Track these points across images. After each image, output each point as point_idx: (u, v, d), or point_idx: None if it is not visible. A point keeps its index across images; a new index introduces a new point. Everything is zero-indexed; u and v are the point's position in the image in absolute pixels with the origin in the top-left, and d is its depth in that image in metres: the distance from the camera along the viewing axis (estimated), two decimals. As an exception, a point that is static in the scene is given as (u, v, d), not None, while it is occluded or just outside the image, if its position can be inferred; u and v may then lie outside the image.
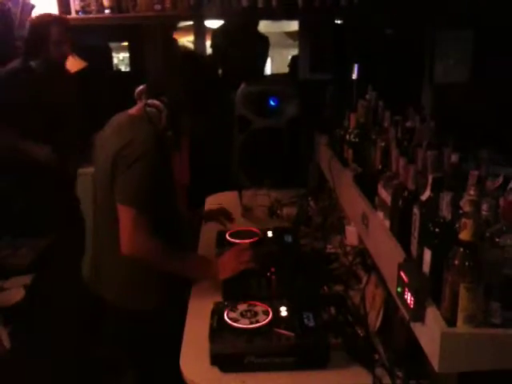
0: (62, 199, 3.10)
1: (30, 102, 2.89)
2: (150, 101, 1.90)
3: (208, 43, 4.25)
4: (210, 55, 4.09)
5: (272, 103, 3.18)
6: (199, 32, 4.01)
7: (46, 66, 2.96)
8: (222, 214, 2.49)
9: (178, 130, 1.94)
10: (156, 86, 1.95)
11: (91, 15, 3.48)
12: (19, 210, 2.96)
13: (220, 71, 3.73)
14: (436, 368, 1.25)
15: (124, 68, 5.02)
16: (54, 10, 3.45)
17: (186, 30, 5.03)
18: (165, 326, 1.98)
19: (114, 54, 4.76)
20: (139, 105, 1.98)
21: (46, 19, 2.98)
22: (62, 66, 3.06)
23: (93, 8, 3.46)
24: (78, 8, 3.44)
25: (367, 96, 2.40)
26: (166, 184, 1.96)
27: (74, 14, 3.47)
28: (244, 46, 3.99)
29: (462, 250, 1.22)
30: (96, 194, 2.04)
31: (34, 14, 3.40)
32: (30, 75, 2.94)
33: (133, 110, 2.00)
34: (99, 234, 2.06)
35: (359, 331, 1.69)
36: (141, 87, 2.00)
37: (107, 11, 3.45)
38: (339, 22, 4.56)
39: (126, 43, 4.85)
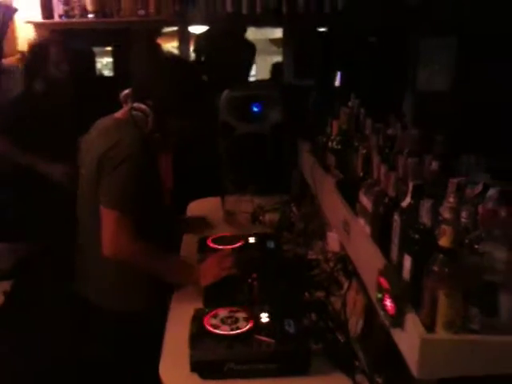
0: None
1: (34, 120, 2.96)
2: (135, 104, 1.91)
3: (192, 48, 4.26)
4: (194, 60, 4.09)
5: (255, 109, 3.18)
6: (183, 38, 4.01)
7: (47, 85, 3.04)
8: (202, 224, 2.51)
9: (164, 133, 1.96)
10: (141, 90, 1.96)
11: (74, 19, 3.46)
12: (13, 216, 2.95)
13: (205, 76, 3.74)
14: (415, 374, 1.25)
15: (107, 73, 4.99)
16: (36, 14, 3.43)
17: (170, 35, 5.03)
18: (149, 329, 1.97)
19: (97, 59, 4.73)
20: (125, 108, 1.99)
21: (44, 42, 3.11)
22: (61, 83, 3.11)
23: (76, 12, 3.45)
24: (61, 12, 3.43)
25: (350, 103, 2.42)
26: (152, 187, 1.97)
27: (57, 19, 3.44)
28: (230, 52, 4.00)
29: (441, 256, 1.23)
30: (82, 196, 2.04)
31: (17, 18, 3.38)
32: (35, 96, 3.03)
33: (118, 114, 2.01)
34: (84, 236, 2.06)
35: (340, 337, 1.69)
36: (126, 91, 2.02)
37: (91, 16, 3.43)
38: (323, 29, 4.59)
39: (109, 48, 4.83)
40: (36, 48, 3.08)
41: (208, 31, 4.17)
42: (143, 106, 1.90)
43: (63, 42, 3.11)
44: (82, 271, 2.09)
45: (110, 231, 1.84)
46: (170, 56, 2.84)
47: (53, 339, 2.57)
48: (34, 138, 2.92)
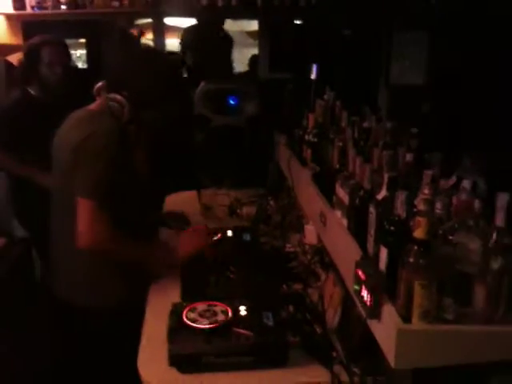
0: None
1: (31, 127, 2.79)
2: (111, 95, 1.91)
3: (167, 41, 4.24)
4: (169, 52, 4.07)
5: (232, 102, 3.18)
6: (158, 30, 3.98)
7: (41, 89, 2.89)
8: (180, 220, 2.50)
9: (139, 124, 1.96)
10: (117, 81, 1.96)
11: (47, 11, 3.39)
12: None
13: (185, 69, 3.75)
14: (392, 364, 1.27)
15: (81, 65, 4.92)
16: (8, 5, 3.36)
17: (145, 27, 4.98)
18: (124, 324, 1.95)
19: (71, 51, 4.65)
20: (99, 100, 1.98)
21: (36, 42, 2.88)
22: (56, 87, 2.92)
23: (49, 4, 3.38)
24: (33, 4, 3.36)
25: (325, 96, 2.43)
26: (127, 179, 1.95)
27: (29, 10, 3.38)
28: (208, 45, 4.00)
29: (416, 247, 1.25)
30: (54, 188, 2.02)
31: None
32: (30, 102, 2.89)
33: (92, 106, 2.00)
34: (56, 229, 2.03)
35: (317, 329, 1.71)
36: (99, 84, 2.00)
37: (63, 7, 3.37)
38: (299, 22, 4.60)
39: (82, 40, 4.75)
40: (28, 50, 2.87)
41: (194, 25, 4.17)
42: (119, 97, 1.90)
43: (58, 43, 2.90)
44: (54, 267, 2.07)
45: (85, 221, 1.82)
46: (146, 48, 2.83)
47: (27, 339, 2.54)
48: (31, 144, 2.75)
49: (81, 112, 2.01)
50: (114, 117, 1.90)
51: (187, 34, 4.19)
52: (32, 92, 2.89)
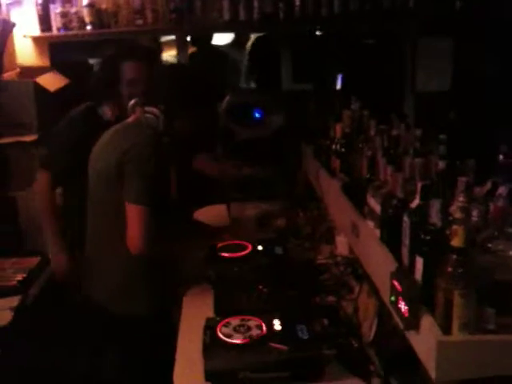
0: None
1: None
2: (147, 108, 2.03)
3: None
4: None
5: (257, 115, 3.19)
6: (181, 46, 4.01)
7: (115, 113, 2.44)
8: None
9: (172, 136, 2.06)
10: (152, 96, 2.10)
11: (73, 32, 3.45)
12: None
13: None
14: (433, 377, 1.24)
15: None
16: (35, 27, 3.42)
17: (168, 44, 5.04)
18: (157, 333, 2.03)
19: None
20: (134, 115, 2.09)
21: (121, 52, 2.51)
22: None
23: (74, 24, 3.43)
24: (59, 25, 3.41)
25: (352, 106, 2.41)
26: (163, 187, 2.06)
27: (55, 31, 3.44)
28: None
29: (454, 256, 1.22)
30: (94, 201, 2.08)
31: (15, 33, 3.38)
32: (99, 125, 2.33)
33: (130, 119, 2.11)
34: (92, 241, 2.11)
35: (353, 342, 1.68)
36: (133, 101, 2.12)
37: (89, 27, 3.42)
38: (320, 32, 4.60)
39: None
40: (109, 62, 2.50)
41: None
42: (154, 109, 2.01)
43: (146, 55, 2.47)
44: (92, 276, 2.13)
45: (137, 226, 1.90)
46: (176, 64, 2.93)
47: (66, 350, 2.56)
48: None
49: (119, 126, 2.11)
50: (151, 128, 2.01)
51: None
52: (99, 111, 2.48)
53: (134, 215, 1.91)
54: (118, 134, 2.07)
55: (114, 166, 1.94)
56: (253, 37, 4.83)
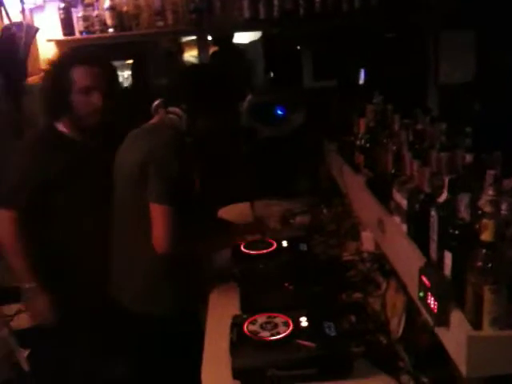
0: None
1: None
2: (170, 108, 2.06)
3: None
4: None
5: (279, 112, 3.18)
6: (202, 46, 4.02)
7: (73, 127, 2.19)
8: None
9: (195, 136, 2.07)
10: (175, 96, 2.11)
11: (95, 35, 3.49)
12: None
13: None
14: (464, 373, 1.23)
15: (128, 85, 5.04)
16: (58, 32, 3.47)
17: (189, 44, 5.07)
18: (182, 333, 2.03)
19: (119, 72, 4.78)
20: (157, 116, 2.12)
21: (66, 60, 2.21)
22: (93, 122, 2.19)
23: (96, 28, 3.46)
24: (81, 29, 3.45)
25: (374, 100, 2.39)
26: (187, 186, 2.06)
27: (77, 35, 3.48)
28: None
29: (484, 251, 1.20)
30: (119, 204, 2.09)
31: (38, 37, 3.43)
32: (59, 139, 2.18)
33: (153, 121, 2.13)
34: (116, 243, 2.11)
35: (381, 339, 1.67)
36: (156, 102, 2.14)
37: (111, 30, 3.46)
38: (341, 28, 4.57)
39: (130, 61, 4.87)
40: (56, 71, 2.20)
41: None
42: (177, 110, 2.04)
43: (96, 60, 2.22)
44: (115, 275, 2.14)
45: (162, 226, 1.91)
46: (198, 63, 2.95)
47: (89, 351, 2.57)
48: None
49: (141, 128, 2.12)
50: (174, 128, 2.03)
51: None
52: (59, 127, 2.19)
53: (157, 215, 1.92)
54: (141, 136, 2.08)
55: (138, 167, 1.95)
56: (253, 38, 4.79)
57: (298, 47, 4.56)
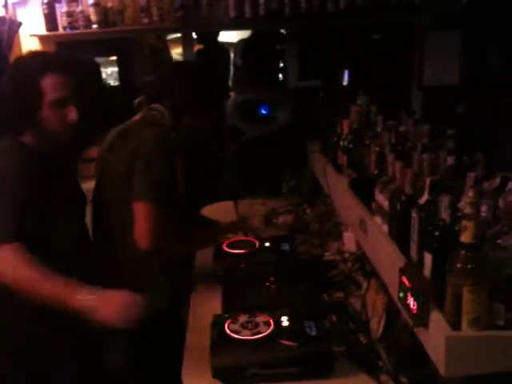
0: None
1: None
2: (153, 105, 2.06)
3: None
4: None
5: (264, 111, 3.18)
6: (187, 44, 4.01)
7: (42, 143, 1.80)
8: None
9: (179, 132, 2.06)
10: (157, 93, 2.11)
11: (79, 31, 3.45)
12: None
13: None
14: (442, 372, 1.24)
15: (113, 82, 5.00)
16: (41, 27, 3.43)
17: (174, 42, 5.05)
18: (162, 331, 2.03)
19: (102, 69, 4.74)
20: (140, 114, 2.11)
21: (33, 66, 1.77)
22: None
23: (80, 23, 3.43)
24: (65, 24, 3.41)
25: (358, 101, 2.40)
26: (171, 183, 2.03)
27: (61, 30, 3.44)
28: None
29: (463, 252, 1.21)
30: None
31: (21, 32, 3.39)
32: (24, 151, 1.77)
33: (136, 118, 2.12)
34: (106, 241, 2.07)
35: (362, 338, 1.68)
36: (139, 99, 2.19)
37: (95, 26, 3.43)
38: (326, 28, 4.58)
39: (113, 58, 4.84)
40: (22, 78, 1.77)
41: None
42: (159, 106, 2.04)
43: (66, 65, 1.82)
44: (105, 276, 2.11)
45: (144, 222, 1.89)
46: (183, 61, 2.94)
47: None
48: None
49: (125, 125, 2.11)
50: (157, 125, 2.02)
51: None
52: (26, 141, 1.78)
53: (140, 212, 1.91)
54: (125, 133, 2.07)
55: (124, 166, 1.95)
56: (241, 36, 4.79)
57: (284, 46, 4.57)
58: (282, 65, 4.85)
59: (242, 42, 4.60)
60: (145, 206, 1.90)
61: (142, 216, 1.90)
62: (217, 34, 4.83)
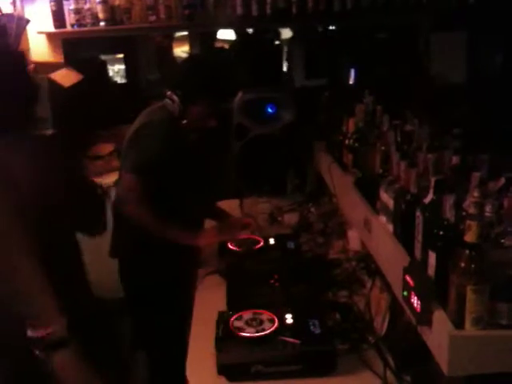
0: None
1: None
2: (168, 93, 2.23)
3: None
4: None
5: (270, 110, 3.18)
6: (194, 41, 4.02)
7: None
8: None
9: (190, 119, 2.21)
10: (170, 82, 2.31)
11: (86, 28, 3.47)
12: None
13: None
14: (445, 371, 1.24)
15: (119, 80, 5.02)
16: (49, 24, 3.45)
17: (180, 39, 5.06)
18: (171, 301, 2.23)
19: (109, 67, 4.76)
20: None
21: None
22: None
23: (88, 21, 3.45)
24: (73, 21, 3.43)
25: (364, 100, 2.40)
26: (181, 165, 2.22)
27: (69, 28, 3.46)
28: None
29: (467, 251, 1.22)
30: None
31: (29, 29, 3.40)
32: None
33: (158, 103, 2.32)
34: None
35: (365, 337, 1.69)
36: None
37: (102, 23, 3.44)
38: (333, 28, 4.59)
39: (120, 55, 4.85)
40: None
41: None
42: (173, 95, 2.21)
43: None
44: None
45: (124, 189, 2.15)
46: (196, 54, 3.09)
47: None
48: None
49: (150, 107, 2.34)
50: (165, 110, 2.21)
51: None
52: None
53: (123, 180, 2.18)
54: (141, 114, 2.29)
55: (126, 142, 2.21)
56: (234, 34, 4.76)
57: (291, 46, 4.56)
58: (286, 64, 4.87)
59: (238, 39, 4.55)
60: (129, 176, 2.13)
61: (124, 183, 2.16)
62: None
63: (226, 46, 4.74)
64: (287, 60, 4.92)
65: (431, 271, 1.35)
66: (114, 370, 2.37)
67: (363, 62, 3.88)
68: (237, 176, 3.25)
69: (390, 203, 1.63)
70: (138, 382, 2.55)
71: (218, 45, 4.60)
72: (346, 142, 2.25)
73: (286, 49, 4.94)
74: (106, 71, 4.56)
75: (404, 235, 1.55)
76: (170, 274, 2.22)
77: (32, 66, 3.43)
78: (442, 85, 3.66)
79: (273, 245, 2.27)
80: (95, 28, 3.46)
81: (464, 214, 1.31)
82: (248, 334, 1.62)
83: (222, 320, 1.71)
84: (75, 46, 3.74)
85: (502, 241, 1.27)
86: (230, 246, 2.28)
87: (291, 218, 2.64)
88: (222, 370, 1.57)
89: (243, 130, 3.20)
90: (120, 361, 2.35)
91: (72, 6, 3.40)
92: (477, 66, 3.66)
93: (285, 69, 4.90)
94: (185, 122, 2.21)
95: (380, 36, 4.39)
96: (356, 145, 2.17)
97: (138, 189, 2.11)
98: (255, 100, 3.20)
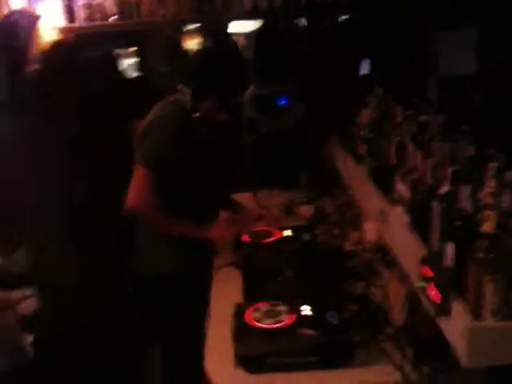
0: None
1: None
2: (180, 87, 2.24)
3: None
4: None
5: (282, 102, 3.18)
6: (205, 35, 4.01)
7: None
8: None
9: (202, 113, 2.20)
10: (183, 77, 2.30)
11: (96, 23, 3.48)
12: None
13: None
14: (464, 363, 1.24)
15: (133, 73, 5.02)
16: (60, 19, 3.46)
17: (190, 33, 5.04)
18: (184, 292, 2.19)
19: (122, 60, 4.75)
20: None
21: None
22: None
23: (98, 16, 3.46)
24: (83, 16, 3.44)
25: (375, 92, 2.39)
26: (194, 159, 2.21)
27: (80, 23, 3.47)
28: None
29: (485, 242, 1.22)
30: None
31: (40, 25, 3.41)
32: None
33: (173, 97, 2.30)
34: None
35: (383, 328, 1.69)
36: None
37: (112, 18, 3.45)
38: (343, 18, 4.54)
39: (133, 49, 4.85)
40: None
41: None
42: (185, 88, 2.21)
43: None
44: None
45: (135, 185, 2.09)
46: (208, 47, 3.10)
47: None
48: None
49: (160, 102, 2.31)
50: (176, 103, 2.21)
51: None
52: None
53: (134, 174, 2.12)
54: (154, 108, 2.26)
55: (139, 135, 2.18)
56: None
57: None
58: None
59: (256, 32, 4.55)
60: (141, 170, 2.10)
61: (135, 178, 2.11)
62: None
63: (240, 39, 4.74)
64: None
65: (449, 262, 1.34)
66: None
67: (374, 53, 3.84)
68: (249, 169, 3.25)
69: (406, 194, 1.63)
70: (154, 374, 2.58)
71: (231, 38, 4.58)
72: (361, 132, 2.24)
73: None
74: (115, 66, 4.54)
75: (421, 226, 1.54)
76: (186, 265, 2.22)
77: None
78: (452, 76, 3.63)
79: (288, 236, 2.28)
80: (105, 22, 3.47)
81: (481, 204, 1.31)
82: (265, 326, 1.63)
83: (240, 311, 1.72)
84: (86, 41, 3.74)
85: (521, 231, 1.27)
86: (245, 238, 2.29)
87: (306, 210, 2.64)
88: (241, 361, 1.58)
89: (254, 123, 3.20)
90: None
91: (82, 1, 3.41)
92: (487, 57, 3.63)
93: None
94: (197, 115, 2.21)
95: (391, 27, 4.35)
96: (370, 135, 2.16)
97: (149, 182, 2.11)
98: (267, 94, 3.20)
